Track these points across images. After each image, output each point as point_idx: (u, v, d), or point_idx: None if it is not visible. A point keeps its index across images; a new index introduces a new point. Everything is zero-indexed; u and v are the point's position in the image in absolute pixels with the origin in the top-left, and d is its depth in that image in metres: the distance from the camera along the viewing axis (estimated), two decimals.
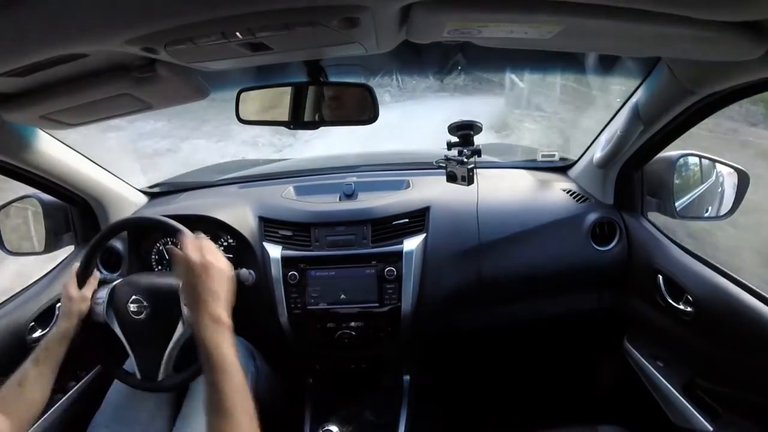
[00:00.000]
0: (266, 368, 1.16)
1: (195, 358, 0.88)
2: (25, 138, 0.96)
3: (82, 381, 1.16)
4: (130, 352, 0.94)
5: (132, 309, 0.94)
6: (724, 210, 1.05)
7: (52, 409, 1.09)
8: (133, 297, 0.94)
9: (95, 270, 0.98)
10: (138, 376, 0.95)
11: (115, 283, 0.98)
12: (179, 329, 0.92)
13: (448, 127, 1.06)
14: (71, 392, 1.13)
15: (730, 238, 2.42)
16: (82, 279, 0.97)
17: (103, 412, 0.98)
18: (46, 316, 1.11)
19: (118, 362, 0.98)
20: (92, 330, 0.94)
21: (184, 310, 0.91)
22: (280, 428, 1.18)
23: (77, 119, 0.87)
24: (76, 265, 0.96)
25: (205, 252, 0.76)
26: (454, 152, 1.06)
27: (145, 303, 0.94)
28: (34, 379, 0.80)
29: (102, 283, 1.00)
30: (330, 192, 1.29)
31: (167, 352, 0.93)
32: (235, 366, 0.67)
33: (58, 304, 1.13)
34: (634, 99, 1.00)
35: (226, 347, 0.68)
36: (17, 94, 0.73)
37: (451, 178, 1.08)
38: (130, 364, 0.98)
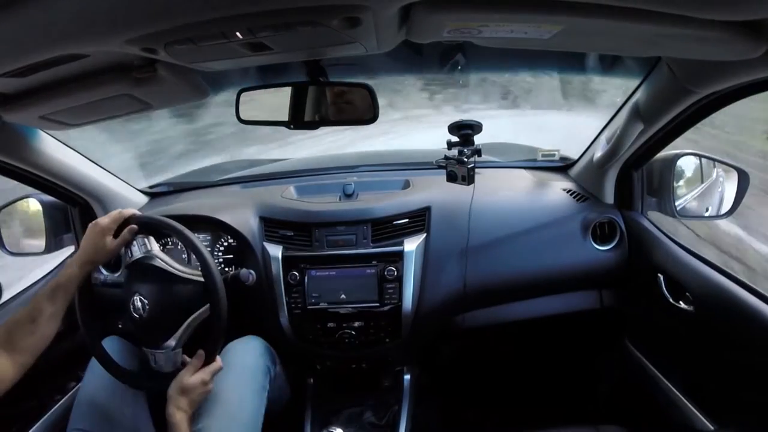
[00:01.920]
0: (281, 374, 1.17)
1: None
2: (25, 138, 0.96)
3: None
4: (142, 352, 0.94)
5: (135, 310, 0.93)
6: (724, 209, 1.05)
7: (53, 409, 1.09)
8: (134, 298, 0.93)
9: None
10: (148, 370, 0.94)
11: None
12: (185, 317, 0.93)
13: (448, 126, 1.06)
14: (72, 392, 1.14)
15: None
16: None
17: (77, 412, 0.95)
18: None
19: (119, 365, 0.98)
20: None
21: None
22: (281, 428, 1.18)
23: (77, 119, 0.88)
24: (114, 213, 0.92)
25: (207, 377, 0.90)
26: (454, 152, 1.06)
27: (145, 300, 0.93)
28: (50, 316, 0.80)
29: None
30: (330, 192, 1.29)
31: (176, 339, 0.93)
32: None
33: None
34: (634, 98, 1.00)
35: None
36: (17, 94, 0.73)
37: (452, 177, 1.08)
38: (131, 364, 0.98)
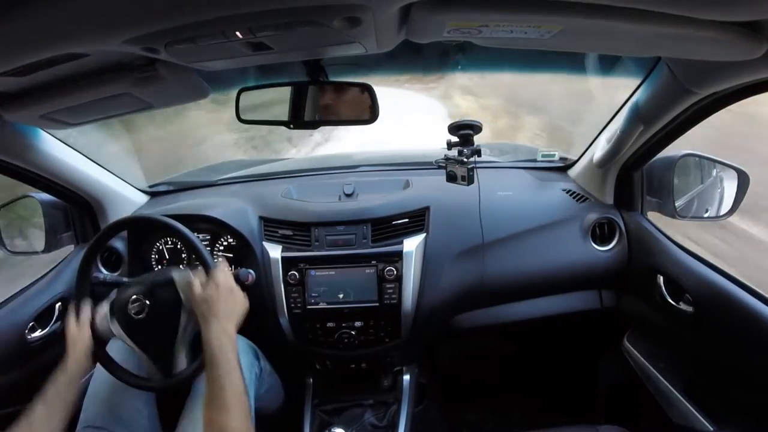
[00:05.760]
0: (269, 368, 1.16)
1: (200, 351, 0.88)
2: (25, 137, 0.96)
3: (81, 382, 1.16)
4: (141, 354, 0.94)
5: (133, 310, 0.92)
6: (724, 210, 1.05)
7: None
8: (132, 297, 0.93)
9: (86, 301, 0.94)
10: (152, 375, 0.94)
11: (112, 298, 0.96)
12: (182, 318, 0.92)
13: (448, 126, 1.06)
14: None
15: None
16: (82, 281, 0.96)
17: (87, 411, 0.95)
18: (45, 316, 1.11)
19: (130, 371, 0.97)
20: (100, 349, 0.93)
21: (183, 298, 0.92)
22: (281, 428, 1.18)
23: (78, 119, 0.88)
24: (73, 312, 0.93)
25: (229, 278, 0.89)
26: (454, 152, 1.06)
27: (144, 300, 0.92)
28: (43, 419, 0.79)
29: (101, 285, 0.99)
30: (330, 191, 1.29)
31: (176, 344, 0.92)
32: (236, 368, 0.78)
33: (58, 304, 1.13)
34: (634, 99, 1.00)
35: (230, 352, 0.79)
36: (18, 93, 0.73)
37: (451, 177, 1.08)
38: (137, 367, 0.98)
